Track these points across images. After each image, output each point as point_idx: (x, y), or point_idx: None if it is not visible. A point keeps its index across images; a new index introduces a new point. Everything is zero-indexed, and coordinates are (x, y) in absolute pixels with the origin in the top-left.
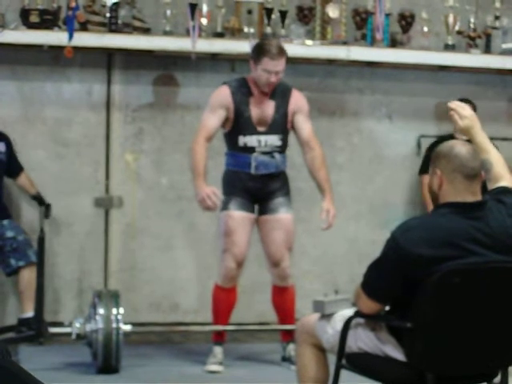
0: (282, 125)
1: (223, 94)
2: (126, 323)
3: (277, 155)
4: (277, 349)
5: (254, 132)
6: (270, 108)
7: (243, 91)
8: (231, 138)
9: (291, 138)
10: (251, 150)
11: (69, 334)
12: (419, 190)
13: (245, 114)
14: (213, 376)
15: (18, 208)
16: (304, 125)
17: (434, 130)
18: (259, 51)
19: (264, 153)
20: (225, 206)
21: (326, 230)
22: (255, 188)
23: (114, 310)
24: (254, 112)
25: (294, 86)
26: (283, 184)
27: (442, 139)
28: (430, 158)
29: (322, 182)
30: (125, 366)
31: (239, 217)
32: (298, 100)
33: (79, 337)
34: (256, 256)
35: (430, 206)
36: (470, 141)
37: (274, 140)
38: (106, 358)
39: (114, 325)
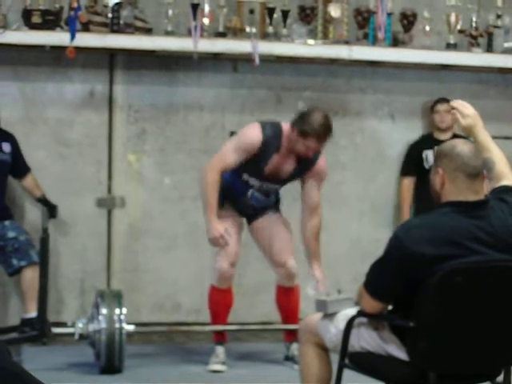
0: (290, 180)
1: (254, 142)
2: (128, 323)
3: (272, 196)
4: (280, 348)
5: (261, 179)
6: (289, 168)
7: (273, 143)
8: (237, 167)
9: None
10: (250, 185)
11: (72, 335)
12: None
13: (261, 164)
14: (216, 375)
15: (21, 208)
16: (315, 192)
17: None
18: (307, 124)
19: (261, 191)
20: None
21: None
22: (244, 209)
23: (117, 310)
24: (271, 167)
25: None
26: (273, 203)
27: (423, 138)
28: (410, 159)
29: (314, 250)
30: (127, 366)
31: (229, 217)
32: (319, 170)
33: (82, 337)
34: (258, 256)
35: (405, 210)
36: (458, 137)
37: (276, 187)
38: (109, 358)
39: (117, 325)
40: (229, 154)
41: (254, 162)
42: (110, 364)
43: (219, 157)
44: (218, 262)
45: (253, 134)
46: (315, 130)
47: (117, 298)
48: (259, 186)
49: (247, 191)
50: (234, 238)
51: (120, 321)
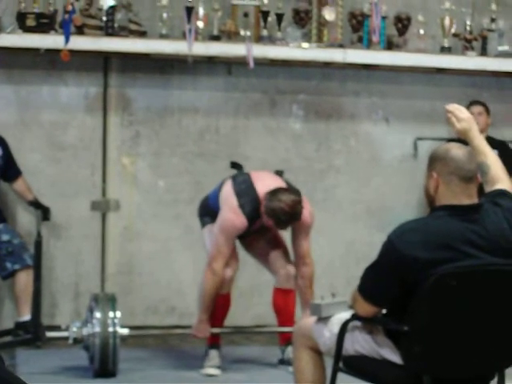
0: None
1: (242, 227)
2: (122, 327)
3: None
4: (274, 351)
5: (247, 233)
6: (272, 226)
7: (254, 216)
8: None
9: (283, 144)
10: None
11: (66, 338)
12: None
13: (247, 229)
14: (209, 379)
15: (15, 211)
16: (302, 242)
17: (431, 132)
18: (270, 207)
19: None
20: (205, 224)
21: None
22: None
23: (111, 314)
24: (255, 227)
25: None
26: None
27: (457, 141)
28: None
29: (307, 299)
30: (121, 370)
31: None
32: (303, 223)
33: (76, 341)
34: (252, 259)
35: None
36: (492, 140)
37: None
38: (103, 361)
39: (111, 328)
40: (223, 247)
41: None
42: (104, 368)
43: (216, 254)
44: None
45: (237, 222)
46: (277, 216)
47: (111, 302)
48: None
49: None
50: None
51: (114, 324)
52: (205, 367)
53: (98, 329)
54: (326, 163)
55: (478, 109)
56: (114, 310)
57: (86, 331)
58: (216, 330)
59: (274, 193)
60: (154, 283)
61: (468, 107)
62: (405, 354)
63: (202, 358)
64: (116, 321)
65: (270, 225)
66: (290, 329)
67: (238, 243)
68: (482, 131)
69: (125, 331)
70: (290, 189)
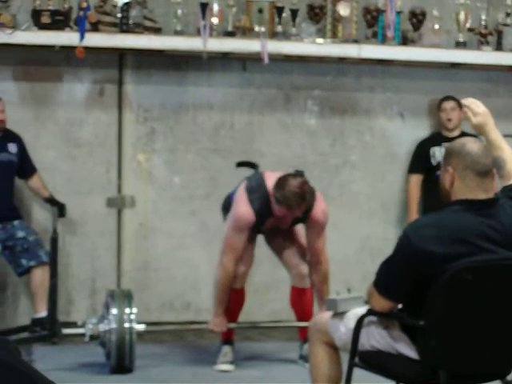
0: (292, 227)
1: (249, 219)
2: (138, 322)
3: None
4: (289, 347)
5: (261, 231)
6: (285, 224)
7: (264, 213)
8: None
9: (298, 139)
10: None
11: (82, 335)
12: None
13: (258, 227)
14: (225, 375)
15: (30, 208)
16: (316, 240)
17: None
18: (279, 196)
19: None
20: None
21: None
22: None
23: (127, 310)
24: (268, 227)
25: (315, 191)
26: None
27: (431, 136)
28: (418, 157)
29: (322, 295)
30: (137, 366)
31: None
32: (315, 220)
33: (92, 337)
34: (269, 255)
35: (413, 208)
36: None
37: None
38: (120, 358)
39: (127, 324)
40: (233, 241)
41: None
42: (121, 364)
43: (226, 248)
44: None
45: (245, 213)
46: (286, 200)
47: (127, 298)
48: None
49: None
50: (248, 246)
51: (130, 320)
52: (218, 363)
53: (114, 325)
54: (341, 159)
55: (450, 104)
56: (131, 306)
57: (102, 327)
58: (232, 325)
59: (279, 180)
60: (170, 279)
61: (441, 103)
62: (421, 348)
63: (217, 354)
64: (132, 317)
65: (284, 217)
66: (307, 323)
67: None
68: (456, 127)
69: (141, 327)
70: (293, 173)
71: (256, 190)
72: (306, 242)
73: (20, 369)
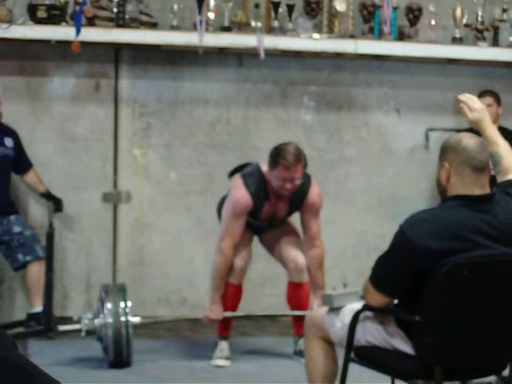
0: (289, 216)
1: (246, 203)
2: (134, 315)
3: (278, 222)
4: (285, 342)
5: (258, 220)
6: (283, 210)
7: (261, 196)
8: None
9: (295, 135)
10: (252, 222)
11: (78, 331)
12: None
13: (255, 213)
14: (221, 370)
15: (27, 203)
16: (312, 224)
17: (442, 123)
18: (275, 157)
19: (264, 224)
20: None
21: None
22: (252, 230)
23: (122, 304)
24: (265, 213)
25: (310, 176)
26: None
27: (467, 131)
28: None
29: (318, 281)
30: (133, 361)
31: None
32: (311, 202)
33: (89, 333)
34: (264, 250)
35: None
36: (504, 130)
37: (276, 222)
38: (117, 351)
39: (123, 318)
40: (231, 226)
41: (249, 213)
42: (119, 358)
43: (224, 234)
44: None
45: (242, 197)
46: (282, 158)
47: (121, 292)
48: (261, 223)
49: (251, 224)
50: (246, 241)
51: (126, 314)
52: (214, 358)
53: (109, 319)
54: (338, 154)
55: (486, 100)
56: (125, 300)
57: (97, 322)
58: (228, 314)
59: (274, 148)
60: (166, 275)
61: (478, 98)
62: (416, 344)
63: (212, 348)
64: (127, 310)
65: (281, 195)
66: (303, 312)
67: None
68: (492, 122)
69: (136, 320)
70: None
71: (252, 174)
72: (302, 226)
73: (17, 362)
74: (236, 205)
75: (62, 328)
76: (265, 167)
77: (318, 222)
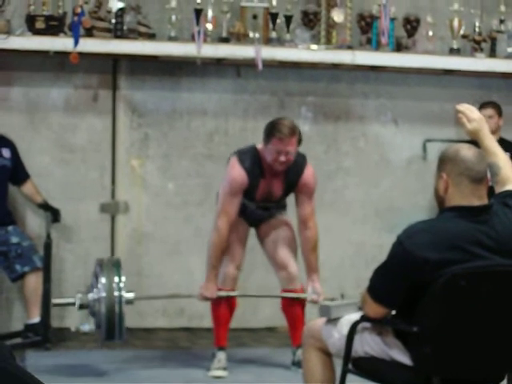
0: (284, 197)
1: (242, 180)
2: (128, 291)
3: (273, 208)
4: (283, 353)
5: (254, 202)
6: (277, 188)
7: (256, 172)
8: None
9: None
10: (247, 206)
11: (72, 304)
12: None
13: (251, 192)
14: (219, 381)
15: (24, 214)
16: (306, 205)
17: (440, 134)
18: (269, 130)
19: (260, 208)
20: None
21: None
22: (249, 218)
23: (116, 279)
24: (261, 192)
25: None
26: (277, 209)
27: (468, 143)
28: None
29: (311, 264)
30: (129, 370)
31: (236, 221)
32: (306, 182)
33: (82, 307)
34: (263, 261)
35: None
36: (505, 142)
37: (272, 204)
38: (110, 326)
39: (117, 293)
40: (227, 204)
41: (245, 191)
42: (111, 332)
43: (220, 212)
44: (224, 266)
45: (237, 174)
46: (276, 130)
47: (116, 267)
48: (256, 206)
49: (246, 209)
50: (239, 243)
51: (119, 289)
52: (212, 369)
53: (103, 294)
54: (335, 165)
55: (487, 112)
56: (119, 275)
57: (91, 297)
58: (223, 293)
59: (269, 122)
60: (163, 285)
61: (479, 109)
62: (414, 355)
63: (210, 359)
64: (121, 285)
65: (276, 170)
66: (298, 295)
67: (251, 245)
68: (493, 133)
69: (130, 295)
70: None
71: (246, 151)
72: (296, 208)
73: (15, 373)
74: (232, 182)
75: (55, 301)
76: (260, 146)
77: (312, 205)
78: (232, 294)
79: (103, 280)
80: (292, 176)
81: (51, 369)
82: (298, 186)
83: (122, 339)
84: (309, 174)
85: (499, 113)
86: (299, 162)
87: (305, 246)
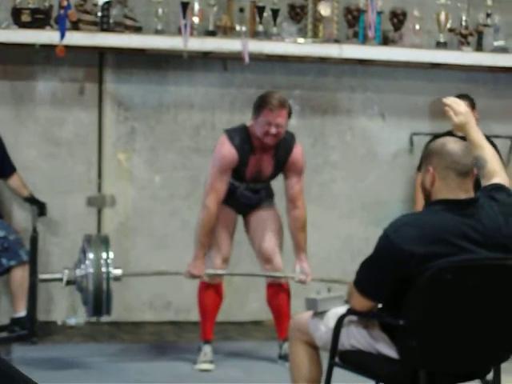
0: (274, 176)
1: (231, 157)
2: (116, 268)
3: (262, 191)
4: (269, 347)
5: (244, 182)
6: (267, 166)
7: (245, 148)
8: None
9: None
10: (237, 186)
11: (60, 280)
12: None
13: (241, 169)
14: (206, 375)
15: (10, 207)
16: (294, 184)
17: (427, 127)
18: (260, 103)
19: (249, 190)
20: None
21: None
22: (237, 206)
23: (104, 255)
24: (251, 170)
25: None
26: (265, 196)
27: (439, 136)
28: None
29: (300, 243)
30: (116, 364)
31: (223, 214)
32: (295, 159)
33: (69, 283)
34: (249, 254)
35: (419, 204)
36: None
37: (261, 185)
38: (97, 303)
39: (104, 269)
40: (216, 181)
41: (234, 170)
42: (99, 308)
43: (209, 190)
44: (211, 258)
45: (227, 151)
46: (266, 102)
47: (104, 243)
48: (246, 186)
49: (236, 191)
50: (226, 235)
51: (107, 265)
52: (198, 362)
53: (91, 269)
54: (322, 159)
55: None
56: (107, 251)
57: (78, 272)
58: (211, 271)
59: (258, 96)
60: (150, 279)
61: None
62: (400, 348)
63: (196, 353)
64: (109, 261)
65: (264, 136)
66: (286, 275)
67: (237, 238)
68: None
69: (118, 272)
70: None
71: (235, 129)
72: (285, 187)
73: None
74: (222, 160)
75: (42, 277)
76: (249, 123)
77: (301, 184)
78: (219, 272)
79: (91, 256)
80: (281, 153)
81: (37, 362)
82: (287, 164)
83: (109, 315)
84: (298, 152)
85: (472, 105)
86: (288, 140)
87: (293, 225)
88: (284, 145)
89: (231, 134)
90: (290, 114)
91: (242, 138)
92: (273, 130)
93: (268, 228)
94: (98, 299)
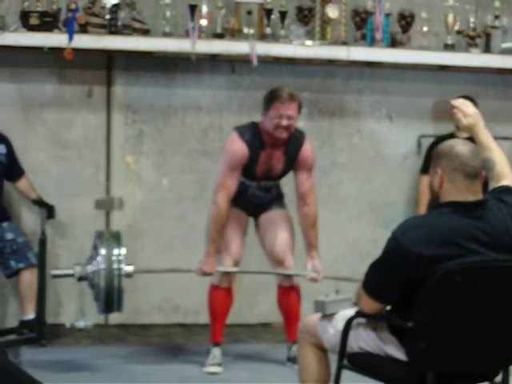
0: (284, 173)
1: (242, 153)
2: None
3: (273, 190)
4: (279, 349)
5: (254, 180)
6: (278, 162)
7: (256, 145)
8: None
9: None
10: (248, 185)
11: (71, 275)
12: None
13: (252, 166)
14: (214, 377)
15: (19, 210)
16: (305, 181)
17: (434, 129)
18: (269, 97)
19: (260, 188)
20: None
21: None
22: (248, 207)
23: (116, 251)
24: (261, 167)
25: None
26: (276, 197)
27: (442, 138)
28: (430, 158)
29: (311, 240)
30: (124, 366)
31: (234, 216)
32: (305, 156)
33: (81, 279)
34: (258, 256)
35: (422, 207)
36: (470, 139)
37: (272, 183)
38: (108, 299)
39: (116, 265)
40: (226, 178)
41: (245, 167)
42: (110, 305)
43: (219, 187)
44: (221, 261)
45: (237, 148)
46: (277, 96)
47: (115, 239)
48: (257, 185)
49: (247, 190)
50: (237, 238)
51: (119, 261)
52: (207, 365)
53: (102, 266)
54: (330, 161)
55: None
56: (119, 247)
57: (90, 269)
58: (222, 269)
59: (268, 91)
60: (158, 281)
61: None
62: (409, 350)
63: (205, 355)
64: (120, 258)
65: (275, 131)
66: (298, 272)
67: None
68: None
69: (130, 268)
70: None
71: (246, 126)
72: (295, 184)
73: (6, 369)
74: (232, 156)
75: (54, 272)
76: (259, 120)
77: (311, 180)
78: (231, 269)
79: (102, 252)
80: (292, 149)
81: (46, 365)
82: (297, 160)
83: (120, 311)
84: (307, 148)
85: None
86: (298, 137)
87: (304, 222)
88: (294, 141)
89: (241, 130)
90: (300, 108)
91: (253, 133)
92: (284, 122)
93: (279, 229)
94: (110, 295)
